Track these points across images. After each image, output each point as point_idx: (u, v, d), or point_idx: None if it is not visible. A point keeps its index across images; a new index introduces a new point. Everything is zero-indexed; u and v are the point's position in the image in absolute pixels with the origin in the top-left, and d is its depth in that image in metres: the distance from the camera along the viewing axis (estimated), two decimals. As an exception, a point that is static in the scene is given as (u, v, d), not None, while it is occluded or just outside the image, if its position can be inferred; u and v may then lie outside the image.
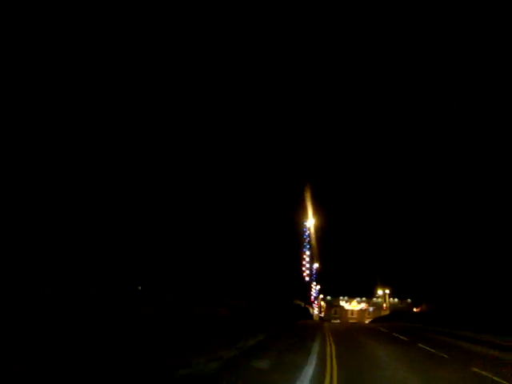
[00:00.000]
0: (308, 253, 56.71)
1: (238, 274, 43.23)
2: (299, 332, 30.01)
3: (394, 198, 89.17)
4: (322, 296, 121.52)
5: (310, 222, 56.05)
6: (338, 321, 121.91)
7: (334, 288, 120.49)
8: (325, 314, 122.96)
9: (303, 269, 56.63)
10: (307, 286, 76.54)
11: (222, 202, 48.81)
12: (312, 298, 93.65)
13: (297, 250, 57.31)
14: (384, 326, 44.72)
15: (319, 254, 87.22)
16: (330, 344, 21.21)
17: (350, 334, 31.21)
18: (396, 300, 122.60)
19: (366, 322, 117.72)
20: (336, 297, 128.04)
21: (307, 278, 56.49)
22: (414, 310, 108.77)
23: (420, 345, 22.16)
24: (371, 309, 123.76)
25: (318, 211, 56.64)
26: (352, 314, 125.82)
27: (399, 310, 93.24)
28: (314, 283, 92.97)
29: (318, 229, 62.99)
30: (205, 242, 43.35)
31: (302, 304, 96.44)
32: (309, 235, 56.91)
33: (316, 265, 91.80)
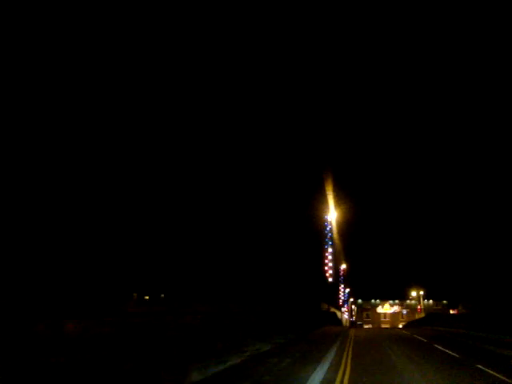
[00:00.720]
0: (330, 250, 48.78)
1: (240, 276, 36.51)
2: (309, 345, 22.30)
3: (425, 189, 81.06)
4: (352, 299, 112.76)
5: (332, 216, 48.25)
6: (370, 325, 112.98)
7: (365, 290, 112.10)
8: (356, 318, 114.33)
9: (326, 268, 48.67)
10: (333, 288, 68.23)
11: (232, 190, 42.50)
12: (340, 301, 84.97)
13: (318, 248, 49.69)
14: (420, 332, 36.45)
15: (345, 253, 78.93)
16: (345, 369, 13.50)
17: (379, 346, 23.17)
18: (431, 302, 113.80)
19: (400, 326, 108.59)
20: (367, 300, 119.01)
21: (331, 279, 48.27)
22: (451, 311, 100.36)
23: (480, 366, 14.27)
24: (405, 311, 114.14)
25: (340, 203, 48.85)
26: (385, 317, 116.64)
27: (435, 313, 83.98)
28: (342, 286, 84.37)
29: (341, 223, 55.02)
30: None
31: (327, 308, 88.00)
32: (330, 230, 49.06)
33: (343, 266, 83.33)
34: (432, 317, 70.54)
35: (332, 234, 49.27)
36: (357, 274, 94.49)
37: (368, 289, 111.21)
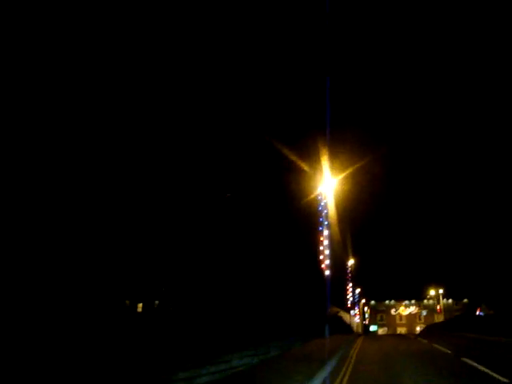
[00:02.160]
0: (326, 233, 34.24)
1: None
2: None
3: (445, 174, 68.19)
4: (364, 300, 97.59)
5: (327, 186, 33.91)
6: (386, 328, 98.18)
7: (378, 290, 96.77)
8: (369, 321, 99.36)
9: (321, 257, 34.15)
10: (337, 286, 53.46)
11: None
12: (349, 302, 69.66)
13: (309, 230, 35.34)
14: (463, 347, 21.90)
15: (353, 245, 64.07)
16: None
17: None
18: (450, 301, 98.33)
19: (417, 328, 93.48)
20: (381, 301, 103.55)
21: (328, 272, 33.50)
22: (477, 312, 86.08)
23: None
24: (424, 312, 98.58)
25: (339, 169, 34.55)
26: (400, 319, 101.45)
27: (463, 314, 68.32)
28: (351, 284, 69.18)
29: (342, 200, 40.52)
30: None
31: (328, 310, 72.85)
32: (325, 206, 34.59)
33: (351, 261, 68.28)
34: (460, 320, 55.33)
35: (327, 211, 34.70)
36: (368, 270, 79.78)
37: (381, 288, 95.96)
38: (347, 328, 58.60)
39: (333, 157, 34.60)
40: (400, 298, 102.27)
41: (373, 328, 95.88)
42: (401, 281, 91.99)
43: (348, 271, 67.08)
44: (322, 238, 34.30)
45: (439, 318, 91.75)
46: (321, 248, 34.26)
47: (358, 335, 51.06)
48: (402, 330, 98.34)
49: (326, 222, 34.40)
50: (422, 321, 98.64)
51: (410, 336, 37.68)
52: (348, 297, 67.84)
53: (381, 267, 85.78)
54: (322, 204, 34.83)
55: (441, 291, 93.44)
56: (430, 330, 58.95)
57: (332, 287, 43.53)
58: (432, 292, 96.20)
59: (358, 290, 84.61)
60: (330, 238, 35.20)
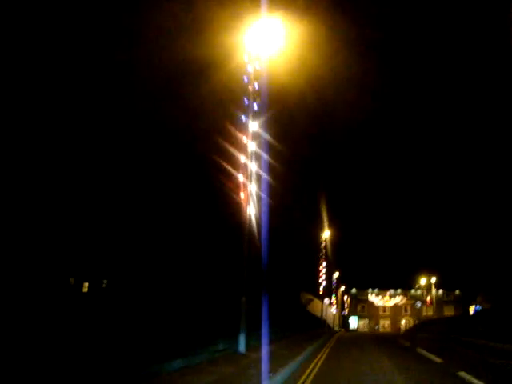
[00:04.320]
0: (252, 129, 15.14)
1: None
2: None
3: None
4: (343, 288, 80.00)
5: (261, 34, 14.96)
6: (367, 320, 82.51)
7: (360, 276, 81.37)
8: (348, 312, 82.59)
9: (240, 178, 15.05)
10: (305, 262, 34.23)
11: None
12: (321, 287, 50.36)
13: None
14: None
15: (329, 214, 45.30)
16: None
17: None
18: (440, 292, 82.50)
19: (403, 322, 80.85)
20: (363, 289, 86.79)
21: (253, 210, 14.44)
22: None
23: None
24: (419, 304, 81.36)
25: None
26: (384, 310, 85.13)
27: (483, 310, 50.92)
28: (324, 263, 49.82)
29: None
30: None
31: (311, 299, 54.10)
32: (255, 75, 15.63)
33: (327, 232, 48.79)
34: (464, 317, 36.54)
35: (262, 88, 15.44)
36: (348, 250, 62.10)
37: (364, 274, 79.75)
38: (316, 322, 39.64)
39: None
40: (385, 287, 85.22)
41: (353, 322, 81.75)
42: (387, 266, 76.61)
43: (323, 245, 47.90)
44: (243, 138, 15.08)
45: (428, 311, 79.10)
46: (241, 159, 15.04)
47: (331, 335, 32.08)
48: (385, 323, 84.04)
49: (255, 107, 15.24)
50: (408, 313, 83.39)
51: (419, 351, 18.15)
52: (320, 280, 48.62)
53: (364, 248, 70.65)
54: (250, 71, 15.61)
55: (433, 280, 77.23)
56: (420, 330, 40.04)
57: (286, 258, 24.32)
58: (423, 281, 79.40)
59: (335, 275, 66.08)
60: (264, 140, 15.97)
